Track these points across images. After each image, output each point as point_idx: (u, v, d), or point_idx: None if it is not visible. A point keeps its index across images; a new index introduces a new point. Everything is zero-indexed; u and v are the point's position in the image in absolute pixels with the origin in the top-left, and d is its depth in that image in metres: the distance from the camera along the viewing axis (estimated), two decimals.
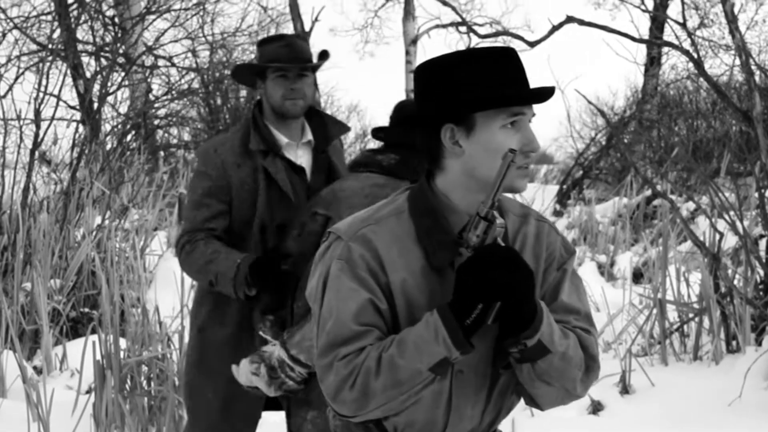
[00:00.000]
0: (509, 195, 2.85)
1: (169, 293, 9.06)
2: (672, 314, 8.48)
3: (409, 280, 2.68)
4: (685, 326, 8.25)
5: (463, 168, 2.70)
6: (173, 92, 17.07)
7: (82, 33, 16.83)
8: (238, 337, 4.70)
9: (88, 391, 7.34)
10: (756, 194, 9.29)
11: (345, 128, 4.97)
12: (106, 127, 15.00)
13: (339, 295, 2.68)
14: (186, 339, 5.88)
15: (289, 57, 4.70)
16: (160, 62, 17.70)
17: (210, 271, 4.54)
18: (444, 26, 24.98)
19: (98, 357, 6.55)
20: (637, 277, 11.48)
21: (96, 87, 15.16)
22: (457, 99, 2.67)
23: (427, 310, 2.61)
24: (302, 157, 4.80)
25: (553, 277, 2.81)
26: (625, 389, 7.47)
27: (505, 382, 2.78)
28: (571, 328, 2.74)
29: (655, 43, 19.42)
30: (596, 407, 7.25)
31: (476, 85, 2.67)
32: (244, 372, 4.37)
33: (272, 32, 20.07)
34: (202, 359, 4.84)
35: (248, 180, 4.66)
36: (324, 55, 4.87)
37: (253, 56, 18.51)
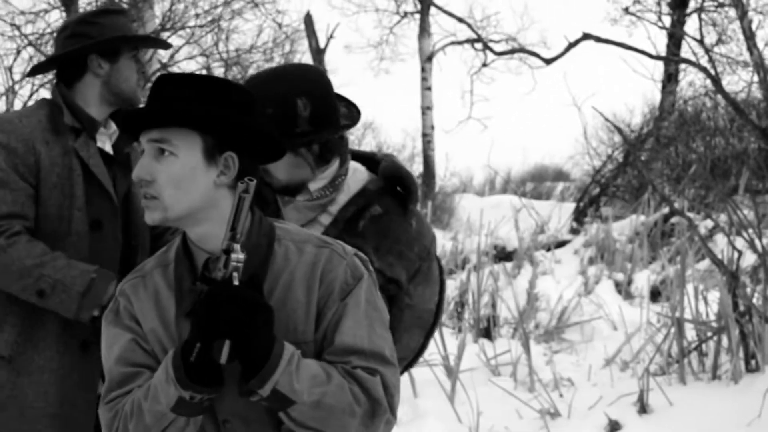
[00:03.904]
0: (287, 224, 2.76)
1: None
2: (690, 333, 8.41)
3: (159, 330, 2.63)
4: (704, 345, 8.18)
5: None
6: None
7: None
8: (66, 361, 3.80)
9: None
10: None
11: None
12: None
13: (105, 344, 2.70)
14: None
15: (145, 35, 3.86)
16: None
17: (42, 278, 3.61)
18: (459, 43, 25.02)
19: None
20: (655, 295, 11.40)
21: None
22: None
23: None
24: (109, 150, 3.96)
25: (333, 311, 2.60)
26: (643, 408, 7.40)
27: None
28: (351, 369, 2.55)
29: (672, 59, 19.38)
30: (614, 426, 7.18)
31: None
32: None
33: (287, 49, 20.06)
34: (16, 398, 3.79)
35: (59, 162, 3.75)
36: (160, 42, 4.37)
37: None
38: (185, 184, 2.54)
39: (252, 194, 2.42)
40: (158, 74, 2.63)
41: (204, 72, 18.03)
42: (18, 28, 15.90)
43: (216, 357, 2.40)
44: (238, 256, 2.42)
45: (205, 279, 2.58)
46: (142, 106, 2.60)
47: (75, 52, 3.85)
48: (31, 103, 12.34)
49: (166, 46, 4.38)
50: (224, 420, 2.62)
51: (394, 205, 3.42)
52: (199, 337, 2.41)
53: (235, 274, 2.43)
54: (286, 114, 3.25)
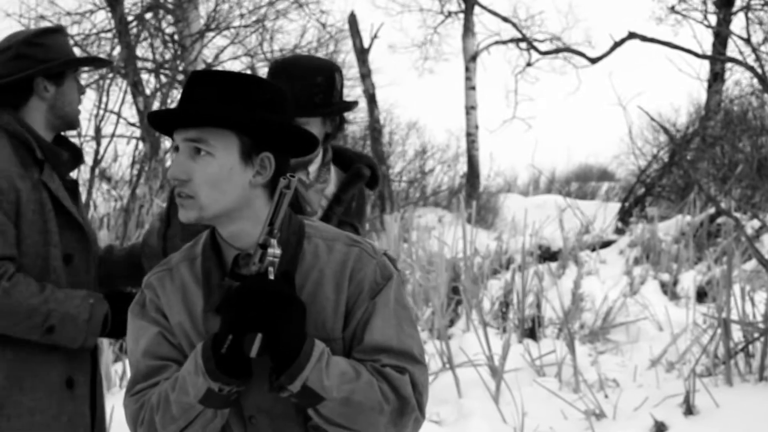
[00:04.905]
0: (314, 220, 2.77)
1: None
2: (737, 334, 8.35)
3: (186, 324, 2.65)
4: (750, 346, 8.12)
5: None
6: None
7: (141, 50, 16.97)
8: (55, 401, 3.71)
9: None
10: None
11: (82, 153, 4.03)
12: (166, 144, 15.08)
13: (133, 336, 2.71)
14: None
15: (77, 54, 3.87)
16: None
17: (51, 313, 3.56)
18: (504, 42, 24.98)
19: None
20: (701, 296, 11.34)
21: (156, 104, 15.25)
22: None
23: None
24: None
25: (363, 309, 2.61)
26: (689, 410, 7.36)
27: None
28: (380, 367, 2.56)
29: (718, 58, 19.25)
30: (660, 428, 7.15)
31: None
32: None
33: (331, 49, 20.10)
34: None
35: (32, 197, 3.63)
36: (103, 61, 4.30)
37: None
38: (222, 184, 2.55)
39: (292, 190, 2.43)
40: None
41: (249, 72, 18.07)
42: (64, 28, 16.00)
43: (247, 350, 2.41)
44: (275, 251, 2.45)
45: (234, 275, 2.58)
46: (173, 106, 2.60)
47: (25, 74, 3.74)
48: None
49: (107, 64, 4.37)
50: (250, 416, 2.63)
51: (362, 188, 3.93)
52: (231, 329, 2.42)
53: (270, 269, 2.45)
54: (330, 84, 3.75)
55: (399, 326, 2.63)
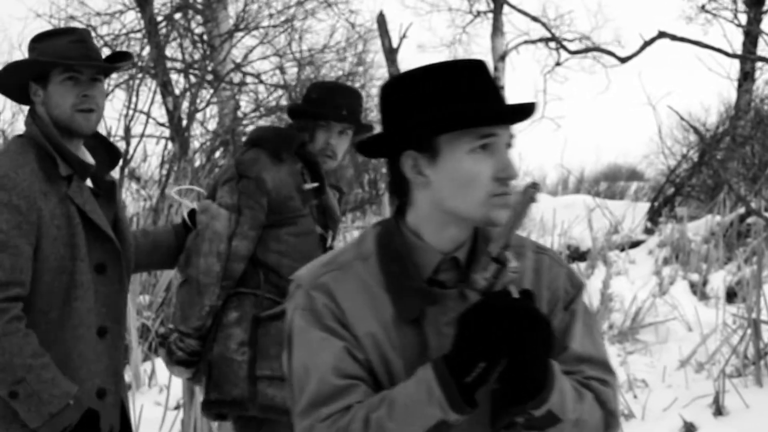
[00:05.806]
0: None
1: None
2: (767, 334, 8.31)
3: (379, 334, 2.36)
4: None
5: (432, 200, 2.36)
6: (261, 109, 17.20)
7: (171, 50, 17.04)
8: (90, 350, 3.70)
9: (177, 407, 7.35)
10: None
11: (120, 154, 4.03)
12: (195, 144, 15.15)
13: (310, 349, 2.38)
14: None
15: (84, 55, 3.69)
16: (249, 79, 17.83)
17: (22, 382, 3.45)
18: (533, 42, 24.88)
19: None
20: (731, 296, 11.29)
21: (185, 104, 15.31)
22: (413, 121, 2.34)
23: (403, 365, 2.34)
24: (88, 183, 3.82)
25: (560, 319, 2.46)
26: (718, 410, 7.34)
27: None
28: (585, 380, 2.42)
29: (748, 57, 19.17)
30: (689, 429, 7.14)
31: (435, 104, 2.33)
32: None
33: (360, 49, 20.10)
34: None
35: (57, 212, 3.58)
36: (125, 56, 3.99)
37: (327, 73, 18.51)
38: None
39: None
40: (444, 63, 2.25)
41: (278, 72, 18.12)
42: (94, 29, 16.09)
43: (490, 378, 2.21)
44: (516, 265, 2.27)
45: (433, 282, 2.39)
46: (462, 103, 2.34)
47: (22, 67, 3.73)
48: (109, 101, 12.50)
49: (108, 69, 3.92)
50: None
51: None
52: (483, 356, 2.18)
53: (512, 286, 2.24)
54: None
55: (592, 336, 2.51)
